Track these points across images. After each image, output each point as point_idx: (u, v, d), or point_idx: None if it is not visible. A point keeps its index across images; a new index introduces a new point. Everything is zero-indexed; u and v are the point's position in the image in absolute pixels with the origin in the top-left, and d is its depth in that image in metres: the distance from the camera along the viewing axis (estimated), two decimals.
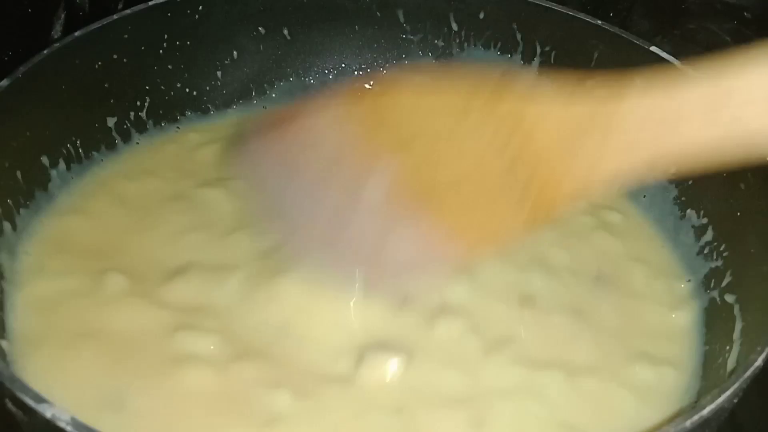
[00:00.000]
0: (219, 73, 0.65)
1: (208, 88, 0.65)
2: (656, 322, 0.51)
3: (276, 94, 0.68)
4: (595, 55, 0.61)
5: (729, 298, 0.49)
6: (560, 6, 0.62)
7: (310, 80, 0.69)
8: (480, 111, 0.37)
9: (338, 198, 0.39)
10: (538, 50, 0.64)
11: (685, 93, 0.36)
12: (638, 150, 0.37)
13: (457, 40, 0.67)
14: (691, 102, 0.35)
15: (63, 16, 0.69)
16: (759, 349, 0.39)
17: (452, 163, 0.38)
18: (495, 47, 0.66)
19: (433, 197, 0.38)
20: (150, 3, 0.59)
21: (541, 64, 0.64)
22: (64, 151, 0.56)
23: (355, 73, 0.69)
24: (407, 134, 0.38)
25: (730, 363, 0.44)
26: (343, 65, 0.69)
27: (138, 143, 0.61)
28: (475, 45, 0.67)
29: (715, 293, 0.51)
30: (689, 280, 0.53)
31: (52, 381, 0.43)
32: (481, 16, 0.65)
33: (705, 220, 0.55)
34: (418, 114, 0.38)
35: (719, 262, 0.52)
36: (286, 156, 0.41)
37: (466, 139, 0.38)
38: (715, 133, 0.35)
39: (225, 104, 0.66)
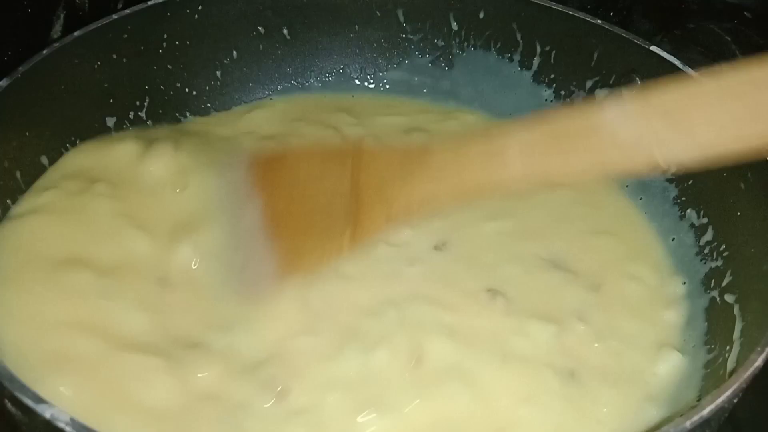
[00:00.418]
0: (219, 73, 0.65)
1: (207, 88, 0.65)
2: (655, 322, 0.51)
3: (276, 94, 0.68)
4: (595, 54, 0.61)
5: (729, 297, 0.49)
6: (560, 5, 0.62)
7: (309, 80, 0.69)
8: (335, 160, 0.51)
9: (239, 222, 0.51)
10: (538, 50, 0.64)
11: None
12: (447, 182, 0.45)
13: (457, 40, 0.67)
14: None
15: (62, 15, 0.69)
16: (759, 349, 0.39)
17: (306, 199, 0.50)
18: (495, 47, 0.66)
19: (287, 226, 0.50)
20: (149, 3, 0.59)
21: (541, 63, 0.65)
22: (64, 152, 0.56)
23: (356, 72, 0.69)
24: (281, 184, 0.51)
25: (730, 363, 0.44)
26: (343, 65, 0.69)
27: None
28: (474, 45, 0.67)
29: (715, 293, 0.51)
30: (684, 283, 0.53)
31: None
32: (481, 15, 0.65)
33: (705, 220, 0.54)
34: (294, 172, 0.51)
35: (719, 262, 0.52)
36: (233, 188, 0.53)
37: (321, 183, 0.50)
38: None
39: (225, 104, 0.66)
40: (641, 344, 0.49)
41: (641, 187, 0.59)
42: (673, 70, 0.55)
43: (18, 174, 0.52)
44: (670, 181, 0.58)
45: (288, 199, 0.50)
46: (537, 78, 0.65)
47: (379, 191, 0.48)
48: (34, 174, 0.53)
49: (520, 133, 0.43)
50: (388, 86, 0.69)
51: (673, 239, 0.56)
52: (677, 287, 0.53)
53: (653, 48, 0.57)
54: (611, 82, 0.61)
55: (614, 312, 0.50)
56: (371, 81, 0.70)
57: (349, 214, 0.48)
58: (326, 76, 0.69)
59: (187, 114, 0.64)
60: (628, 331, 0.49)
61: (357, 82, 0.70)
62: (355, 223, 0.48)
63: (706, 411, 0.36)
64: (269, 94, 0.68)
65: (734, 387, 0.37)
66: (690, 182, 0.56)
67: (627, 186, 0.59)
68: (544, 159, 0.42)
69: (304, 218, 0.50)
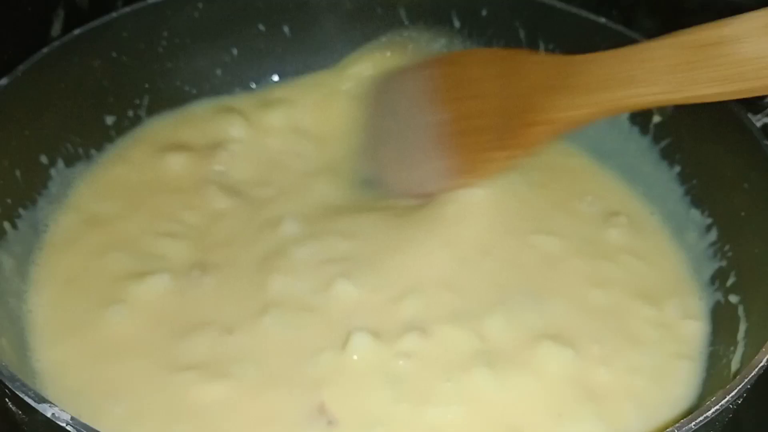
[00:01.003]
0: (219, 71, 0.65)
1: (208, 86, 0.65)
2: (658, 321, 0.50)
3: (277, 92, 0.68)
4: None
5: (733, 298, 0.49)
6: (563, 4, 0.62)
7: (310, 78, 0.69)
8: (500, 67, 0.54)
9: (408, 125, 0.58)
10: (541, 48, 0.64)
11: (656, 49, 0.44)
12: (595, 101, 0.47)
13: (460, 38, 0.67)
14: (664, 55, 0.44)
15: (62, 14, 0.68)
16: (764, 349, 0.39)
17: (477, 107, 0.54)
18: (497, 45, 0.66)
19: (457, 135, 0.55)
20: (149, 1, 0.59)
21: None
22: (63, 150, 0.56)
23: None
24: (457, 90, 0.56)
25: (735, 363, 0.44)
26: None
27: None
28: (477, 43, 0.66)
29: (719, 294, 0.51)
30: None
31: None
32: (484, 13, 0.65)
33: (710, 220, 0.54)
34: (467, 77, 0.56)
35: (723, 263, 0.52)
36: (394, 93, 0.61)
37: (490, 89, 0.54)
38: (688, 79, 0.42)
39: (226, 103, 0.66)
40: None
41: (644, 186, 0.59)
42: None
43: (17, 173, 0.52)
44: (675, 180, 0.58)
45: (464, 104, 0.54)
46: None
47: (535, 103, 0.50)
48: (33, 173, 0.53)
49: (661, 48, 0.43)
50: None
51: (677, 239, 0.56)
52: (681, 288, 0.53)
53: None
54: None
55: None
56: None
57: (513, 127, 0.51)
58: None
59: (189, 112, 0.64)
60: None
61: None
62: (515, 138, 0.51)
63: (710, 412, 0.36)
64: (270, 92, 0.67)
65: (739, 388, 0.37)
66: (694, 182, 0.56)
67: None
68: (688, 73, 0.42)
69: (475, 125, 0.53)
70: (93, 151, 0.58)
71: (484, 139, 0.53)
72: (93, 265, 0.51)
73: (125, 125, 0.61)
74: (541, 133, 0.50)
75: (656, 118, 0.58)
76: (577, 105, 0.47)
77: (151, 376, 0.45)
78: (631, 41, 0.58)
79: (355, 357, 0.45)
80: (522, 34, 0.64)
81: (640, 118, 0.60)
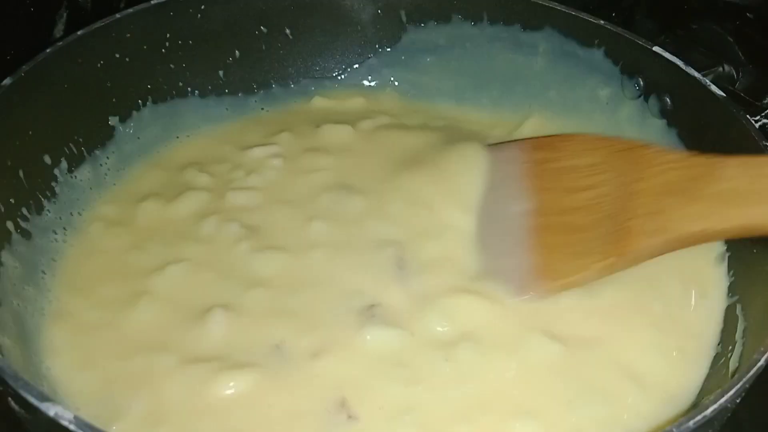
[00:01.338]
0: (221, 73, 0.65)
1: (210, 87, 0.65)
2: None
3: (278, 94, 0.68)
4: (599, 54, 0.61)
5: (732, 298, 0.49)
6: (563, 5, 0.62)
7: (311, 79, 0.69)
8: (607, 157, 0.47)
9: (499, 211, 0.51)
10: (541, 49, 0.64)
11: None
12: (729, 217, 0.40)
13: (459, 39, 0.67)
14: None
15: (65, 15, 0.69)
16: (762, 349, 0.39)
17: (572, 203, 0.48)
18: (497, 46, 0.66)
19: (545, 229, 0.48)
20: (152, 2, 0.59)
21: (544, 62, 0.64)
22: (66, 150, 0.56)
23: (359, 71, 0.69)
24: (556, 180, 0.50)
25: (733, 363, 0.44)
26: (345, 64, 0.69)
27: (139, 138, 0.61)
28: (476, 44, 0.67)
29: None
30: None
31: None
32: (484, 15, 0.65)
33: None
34: (571, 166, 0.50)
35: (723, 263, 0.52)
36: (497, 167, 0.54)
37: (591, 184, 0.47)
38: None
39: (227, 103, 0.66)
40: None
41: None
42: (676, 70, 0.55)
43: (21, 173, 0.52)
44: None
45: (556, 196, 0.48)
46: (541, 78, 0.65)
47: (654, 210, 0.42)
48: (37, 173, 0.53)
49: None
50: (394, 85, 0.69)
51: None
52: (681, 288, 0.52)
53: (656, 48, 0.57)
54: (613, 82, 0.61)
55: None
56: (373, 80, 0.70)
57: (616, 230, 0.44)
58: (329, 76, 0.69)
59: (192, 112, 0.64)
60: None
61: (358, 79, 0.69)
62: (615, 246, 0.44)
63: (709, 411, 0.36)
64: (272, 94, 0.68)
65: (737, 387, 0.37)
66: None
67: None
68: None
69: (566, 223, 0.47)
70: (97, 152, 0.59)
71: (574, 242, 0.46)
72: (105, 266, 0.52)
73: (127, 124, 0.61)
74: (656, 245, 0.42)
75: (655, 120, 0.58)
76: (724, 217, 0.40)
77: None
78: (631, 43, 0.58)
79: None
80: (522, 36, 0.64)
81: (638, 117, 0.60)
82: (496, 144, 0.57)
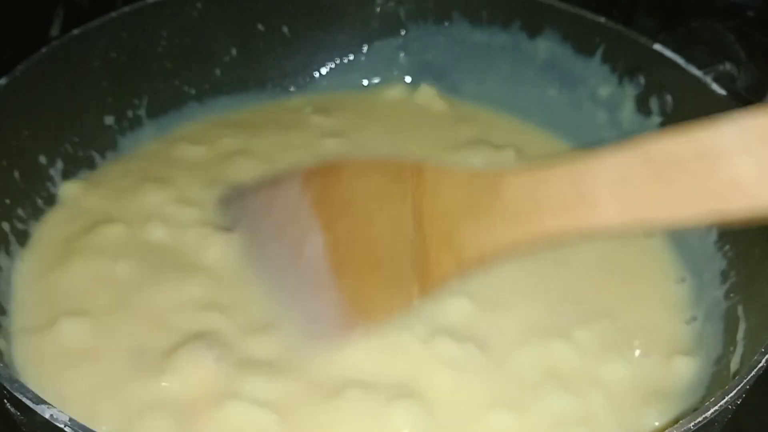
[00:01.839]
0: (218, 71, 0.65)
1: (207, 86, 0.65)
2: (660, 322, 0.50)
3: (276, 92, 0.68)
4: (599, 52, 0.61)
5: (733, 298, 0.49)
6: (563, 3, 0.61)
7: (310, 78, 0.69)
8: (398, 183, 0.44)
9: (285, 253, 0.47)
10: (541, 48, 0.64)
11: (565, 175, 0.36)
12: (525, 226, 0.38)
13: (459, 38, 0.67)
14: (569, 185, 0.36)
15: (62, 14, 0.68)
16: (763, 350, 0.39)
17: (369, 233, 0.45)
18: (497, 45, 0.66)
19: (346, 264, 0.45)
20: (148, 1, 0.59)
21: (544, 62, 0.64)
22: (62, 150, 0.56)
23: (357, 71, 0.69)
24: (340, 207, 0.46)
25: (734, 364, 0.44)
26: (344, 63, 0.69)
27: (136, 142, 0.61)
28: (476, 44, 0.66)
29: (719, 294, 0.51)
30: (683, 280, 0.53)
31: None
32: (484, 13, 0.65)
33: None
34: (352, 190, 0.46)
35: (724, 263, 0.51)
36: (258, 210, 0.50)
37: (383, 211, 0.44)
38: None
39: (224, 102, 0.66)
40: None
41: None
42: (676, 68, 0.55)
43: (16, 173, 0.52)
44: None
45: (348, 227, 0.45)
46: (541, 76, 0.65)
47: (446, 232, 0.42)
48: (32, 173, 0.53)
49: (610, 161, 0.34)
50: (391, 84, 0.69)
51: (677, 239, 0.56)
52: (681, 289, 0.53)
53: (657, 46, 0.57)
54: (614, 80, 0.61)
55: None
56: (373, 79, 0.69)
57: (416, 256, 0.43)
58: (326, 74, 0.69)
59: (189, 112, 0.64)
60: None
61: (358, 79, 0.69)
62: (422, 271, 0.43)
63: (709, 412, 0.35)
64: (269, 92, 0.67)
65: (738, 388, 0.37)
66: None
67: None
68: (641, 196, 0.34)
69: (367, 255, 0.45)
70: (93, 152, 0.58)
71: (381, 275, 0.44)
72: (94, 267, 0.51)
73: (125, 126, 0.61)
74: (468, 263, 0.41)
75: (656, 119, 0.58)
76: (517, 231, 0.39)
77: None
78: (631, 41, 0.58)
79: None
80: (522, 34, 0.64)
81: (638, 115, 0.60)
82: (275, 176, 0.51)
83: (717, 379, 0.45)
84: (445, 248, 0.42)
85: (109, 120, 0.59)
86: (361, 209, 0.45)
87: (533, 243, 0.39)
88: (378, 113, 0.66)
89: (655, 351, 0.48)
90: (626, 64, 0.59)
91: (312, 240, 0.46)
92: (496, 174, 0.40)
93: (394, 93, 0.68)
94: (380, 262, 0.45)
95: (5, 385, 0.35)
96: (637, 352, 0.48)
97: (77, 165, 0.57)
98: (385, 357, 0.45)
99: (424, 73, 0.69)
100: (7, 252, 0.49)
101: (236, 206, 0.52)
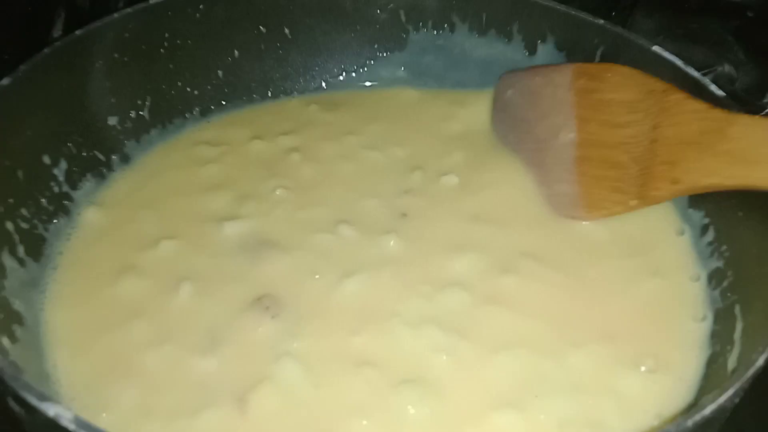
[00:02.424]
0: (220, 72, 0.65)
1: (209, 87, 0.65)
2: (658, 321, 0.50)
3: (277, 93, 0.68)
4: (598, 54, 0.61)
5: (730, 298, 0.49)
6: (562, 5, 0.62)
7: (311, 79, 0.69)
8: (647, 99, 0.51)
9: (543, 133, 0.57)
10: (540, 49, 0.64)
11: None
12: (733, 175, 0.44)
13: (459, 39, 0.67)
14: None
15: (63, 15, 0.68)
16: (760, 349, 0.39)
17: (611, 137, 0.52)
18: (497, 46, 0.66)
19: (588, 159, 0.53)
20: (151, 2, 0.59)
21: (544, 62, 0.64)
22: (65, 150, 0.56)
23: (357, 72, 0.69)
24: (596, 106, 0.54)
25: (731, 363, 0.44)
26: (344, 64, 0.69)
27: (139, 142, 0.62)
28: (476, 44, 0.67)
29: (716, 293, 0.51)
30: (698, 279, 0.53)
31: None
32: (483, 15, 0.65)
33: (707, 220, 0.54)
34: (611, 94, 0.53)
35: (720, 262, 0.52)
36: (529, 92, 0.59)
37: (628, 120, 0.51)
38: None
39: (227, 103, 0.66)
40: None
41: None
42: (675, 69, 0.55)
43: (20, 173, 0.52)
44: None
45: (598, 126, 0.52)
46: None
47: (672, 156, 0.47)
48: (36, 173, 0.53)
49: None
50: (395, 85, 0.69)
51: (674, 239, 0.56)
52: (680, 287, 0.53)
53: (655, 48, 0.57)
54: None
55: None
56: (373, 79, 0.70)
57: (642, 171, 0.49)
58: (328, 75, 0.69)
59: (188, 113, 0.65)
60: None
61: (358, 80, 0.70)
62: (643, 185, 0.49)
63: (707, 410, 0.36)
64: (271, 93, 0.68)
65: (735, 387, 0.37)
66: None
67: None
68: None
69: (605, 156, 0.52)
70: (96, 152, 0.59)
71: (613, 177, 0.51)
72: (104, 268, 0.52)
73: (128, 126, 0.61)
74: (678, 191, 0.48)
75: None
76: (730, 175, 0.44)
77: None
78: (630, 42, 0.58)
79: None
80: (521, 35, 0.64)
81: None
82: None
83: (714, 377, 0.45)
84: (667, 170, 0.48)
85: (112, 120, 0.60)
86: (612, 113, 0.52)
87: (743, 187, 0.44)
88: (383, 110, 0.67)
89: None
90: (625, 65, 0.59)
91: (568, 128, 0.54)
92: (729, 114, 0.45)
93: (395, 92, 0.69)
94: (613, 166, 0.51)
95: (9, 382, 0.36)
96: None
97: (81, 165, 0.57)
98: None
99: (424, 74, 0.69)
100: (12, 253, 0.50)
101: (513, 83, 0.61)
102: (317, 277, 0.51)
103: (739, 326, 0.46)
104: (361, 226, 0.55)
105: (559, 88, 0.56)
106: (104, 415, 0.43)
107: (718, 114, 0.46)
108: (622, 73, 0.54)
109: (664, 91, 0.50)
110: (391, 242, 0.53)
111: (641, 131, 0.50)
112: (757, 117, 0.44)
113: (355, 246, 0.53)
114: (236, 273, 0.51)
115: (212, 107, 0.66)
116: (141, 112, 0.62)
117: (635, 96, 0.52)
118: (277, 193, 0.57)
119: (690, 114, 0.48)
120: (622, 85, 0.53)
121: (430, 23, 0.67)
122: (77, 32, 0.55)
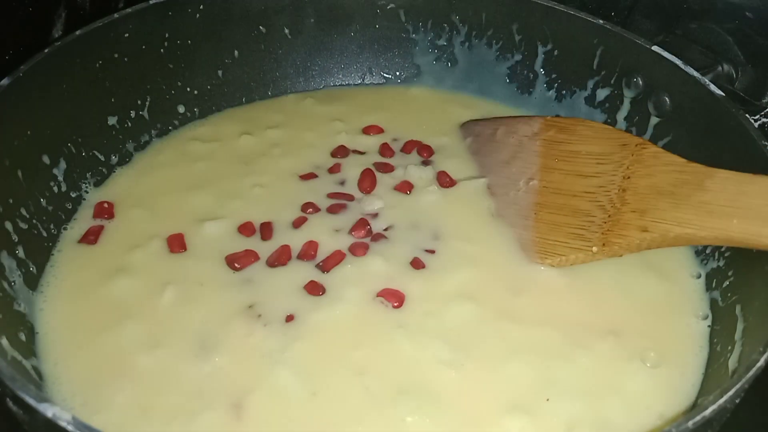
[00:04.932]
0: (220, 72, 0.65)
1: (209, 87, 0.65)
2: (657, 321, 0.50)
3: (277, 93, 0.68)
4: (597, 54, 0.61)
5: (730, 298, 0.49)
6: (561, 5, 0.62)
7: (311, 78, 0.69)
8: (620, 152, 0.51)
9: (506, 179, 0.57)
10: (540, 49, 0.64)
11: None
12: (707, 227, 0.44)
13: (459, 40, 0.67)
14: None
15: (64, 15, 0.68)
16: (761, 349, 0.39)
17: (577, 185, 0.52)
18: (497, 46, 0.66)
19: (548, 206, 0.53)
20: (151, 1, 0.59)
21: (543, 62, 0.64)
22: (65, 150, 0.56)
23: (358, 70, 0.69)
24: (563, 156, 0.54)
25: (732, 363, 0.44)
26: (344, 64, 0.69)
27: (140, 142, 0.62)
28: (477, 44, 0.67)
29: (716, 293, 0.51)
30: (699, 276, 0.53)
31: None
32: (483, 15, 0.65)
33: None
34: (579, 145, 0.54)
35: (721, 263, 0.52)
36: (494, 138, 0.60)
37: (597, 170, 0.51)
38: None
39: (226, 103, 0.66)
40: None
41: None
42: (675, 69, 0.55)
43: (19, 173, 0.52)
44: None
45: (562, 175, 0.53)
46: (540, 77, 0.65)
47: (643, 206, 0.47)
48: (35, 173, 0.53)
49: None
50: (396, 84, 0.69)
51: None
52: (679, 287, 0.53)
53: (655, 48, 0.57)
54: (613, 82, 0.61)
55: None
56: (373, 79, 0.70)
57: (608, 219, 0.48)
58: (328, 75, 0.69)
59: (188, 113, 0.64)
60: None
61: (358, 80, 0.70)
62: (608, 234, 0.48)
63: (707, 411, 0.36)
64: (270, 93, 0.68)
65: (736, 387, 0.37)
66: None
67: None
68: None
69: (567, 204, 0.52)
70: (95, 152, 0.59)
71: (573, 224, 0.51)
72: (99, 268, 0.52)
73: (127, 126, 0.61)
74: (646, 241, 0.46)
75: (654, 119, 0.58)
76: (705, 226, 0.44)
77: None
78: (630, 42, 0.58)
79: None
80: (520, 35, 0.64)
81: (637, 116, 0.60)
82: (506, 117, 0.62)
83: (715, 377, 0.45)
84: (637, 217, 0.47)
85: (112, 120, 0.60)
86: (579, 163, 0.53)
87: (713, 241, 0.44)
88: (377, 104, 0.67)
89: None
90: (625, 65, 0.60)
91: (530, 175, 0.55)
92: (707, 168, 0.44)
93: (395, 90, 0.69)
94: (574, 213, 0.51)
95: (8, 383, 0.36)
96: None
97: (80, 165, 0.57)
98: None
99: (423, 75, 0.69)
100: (11, 254, 0.49)
101: (474, 131, 0.62)
102: None
103: (739, 326, 0.46)
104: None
105: (524, 138, 0.57)
106: (100, 415, 0.43)
107: (696, 167, 0.46)
108: (593, 127, 0.55)
109: (639, 144, 0.51)
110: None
111: (610, 181, 0.50)
112: (734, 172, 0.44)
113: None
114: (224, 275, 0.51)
115: (212, 107, 0.66)
116: (141, 112, 0.62)
117: (606, 149, 0.52)
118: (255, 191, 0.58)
119: (665, 166, 0.48)
120: (593, 138, 0.54)
121: (429, 23, 0.67)
122: (77, 32, 0.55)
